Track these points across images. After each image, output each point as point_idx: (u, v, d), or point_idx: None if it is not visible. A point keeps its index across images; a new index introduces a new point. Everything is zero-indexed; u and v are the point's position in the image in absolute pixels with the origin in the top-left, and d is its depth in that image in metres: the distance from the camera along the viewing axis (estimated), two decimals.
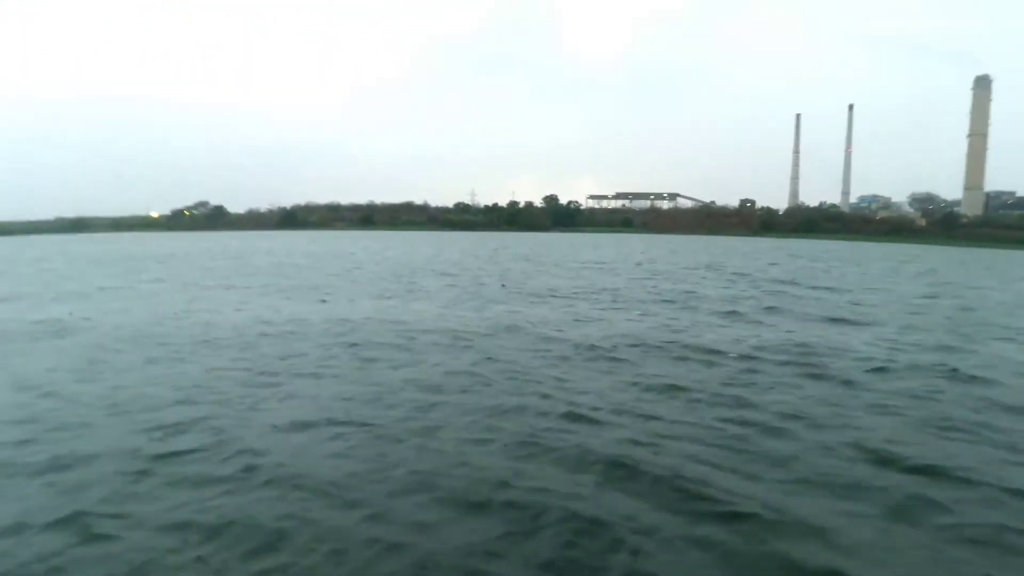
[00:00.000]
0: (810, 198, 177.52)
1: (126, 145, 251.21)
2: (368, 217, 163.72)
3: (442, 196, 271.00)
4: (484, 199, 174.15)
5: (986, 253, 79.89)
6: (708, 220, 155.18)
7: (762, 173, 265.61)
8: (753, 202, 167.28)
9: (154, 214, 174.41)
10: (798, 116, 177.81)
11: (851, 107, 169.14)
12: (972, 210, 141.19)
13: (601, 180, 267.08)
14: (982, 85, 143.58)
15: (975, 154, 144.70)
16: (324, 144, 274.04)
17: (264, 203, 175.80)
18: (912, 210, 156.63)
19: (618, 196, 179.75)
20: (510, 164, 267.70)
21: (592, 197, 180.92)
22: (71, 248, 49.24)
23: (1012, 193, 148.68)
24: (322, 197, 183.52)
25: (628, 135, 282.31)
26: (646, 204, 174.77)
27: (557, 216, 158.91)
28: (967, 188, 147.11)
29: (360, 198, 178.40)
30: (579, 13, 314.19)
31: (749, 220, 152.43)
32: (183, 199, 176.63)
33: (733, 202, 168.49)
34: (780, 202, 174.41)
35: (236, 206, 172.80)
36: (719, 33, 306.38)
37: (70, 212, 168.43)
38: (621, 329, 12.13)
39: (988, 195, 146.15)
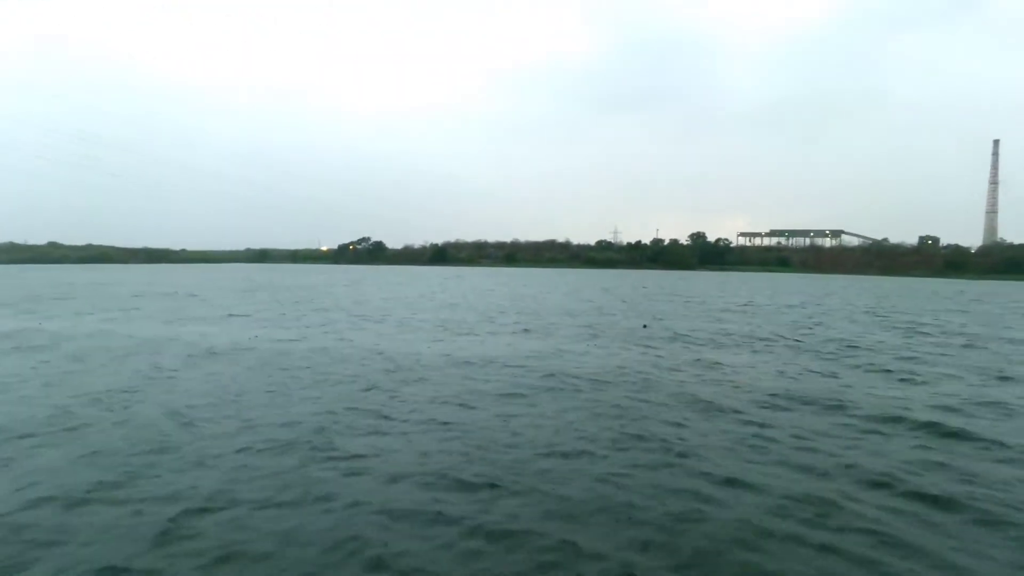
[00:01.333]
0: (1013, 234, 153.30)
1: (300, 185, 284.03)
2: (512, 254, 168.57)
3: (584, 234, 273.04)
4: (626, 237, 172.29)
5: None
6: (879, 259, 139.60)
7: (946, 207, 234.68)
8: (936, 239, 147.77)
9: (323, 248, 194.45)
10: (996, 142, 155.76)
11: None
12: None
13: (753, 217, 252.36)
14: None
15: None
16: (472, 184, 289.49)
17: (418, 239, 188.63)
18: None
19: (772, 233, 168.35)
20: (653, 201, 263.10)
21: (743, 234, 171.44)
22: (276, 279, 55.46)
23: None
24: (470, 235, 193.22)
25: (783, 169, 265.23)
26: (804, 241, 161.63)
27: (704, 254, 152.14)
28: None
29: (505, 236, 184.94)
30: (726, 44, 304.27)
31: (931, 259, 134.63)
32: (348, 235, 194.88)
33: (910, 239, 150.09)
34: (971, 239, 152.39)
35: (393, 242, 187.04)
36: (887, 55, 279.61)
37: (255, 244, 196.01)
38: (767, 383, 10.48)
39: None
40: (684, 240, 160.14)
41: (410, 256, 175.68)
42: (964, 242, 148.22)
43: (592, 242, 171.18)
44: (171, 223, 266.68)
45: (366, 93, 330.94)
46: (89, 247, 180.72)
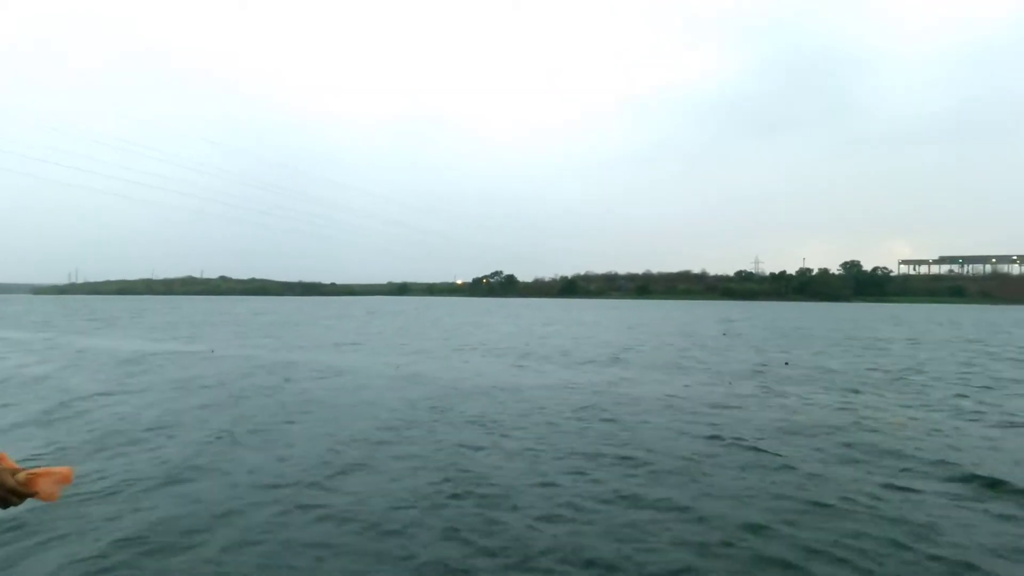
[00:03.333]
0: None
1: (438, 220, 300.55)
2: (644, 286, 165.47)
3: (722, 264, 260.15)
4: (769, 266, 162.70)
5: None
6: None
7: None
8: None
9: (458, 281, 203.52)
10: None
11: None
12: None
13: (916, 243, 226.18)
14: None
15: None
16: (605, 214, 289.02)
17: (548, 272, 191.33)
18: None
19: (942, 260, 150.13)
20: (799, 229, 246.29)
21: (905, 262, 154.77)
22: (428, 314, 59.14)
23: None
24: (600, 267, 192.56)
25: (951, 190, 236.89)
26: (984, 268, 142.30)
27: (860, 284, 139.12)
28: None
29: (637, 267, 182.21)
30: (884, 58, 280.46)
31: None
32: (482, 268, 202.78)
33: None
34: None
35: (525, 275, 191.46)
36: None
37: (397, 277, 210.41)
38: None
39: None
40: (835, 269, 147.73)
41: (540, 289, 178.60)
42: None
43: (731, 273, 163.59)
44: (323, 258, 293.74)
45: (501, 124, 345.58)
46: (252, 281, 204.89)
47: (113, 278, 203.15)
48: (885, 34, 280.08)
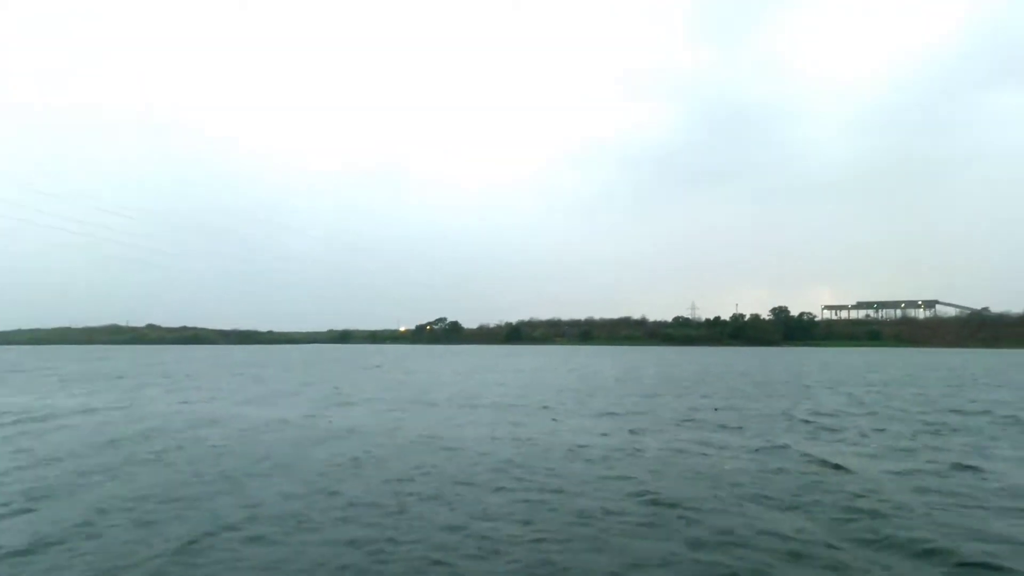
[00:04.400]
0: None
1: (380, 266, 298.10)
2: (587, 332, 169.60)
3: (661, 310, 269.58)
4: (705, 312, 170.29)
5: None
6: (981, 330, 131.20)
7: None
8: None
9: (402, 328, 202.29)
10: None
11: None
12: None
13: (838, 289, 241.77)
14: None
15: None
16: (549, 262, 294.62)
17: (494, 319, 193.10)
18: None
19: (860, 305, 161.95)
20: (733, 276, 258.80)
21: (828, 308, 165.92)
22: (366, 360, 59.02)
23: None
24: (544, 313, 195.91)
25: (868, 238, 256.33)
26: (895, 313, 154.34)
27: (788, 329, 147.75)
28: None
29: (580, 314, 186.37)
30: (811, 112, 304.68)
31: None
32: (426, 315, 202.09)
33: (1015, 308, 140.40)
34: None
35: (469, 322, 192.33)
36: (982, 114, 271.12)
37: (338, 325, 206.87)
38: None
39: None
40: (765, 315, 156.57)
41: (486, 335, 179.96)
42: None
43: (669, 319, 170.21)
44: (261, 304, 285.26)
45: (446, 174, 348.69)
46: (184, 329, 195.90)
47: (25, 327, 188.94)
48: (808, 90, 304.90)
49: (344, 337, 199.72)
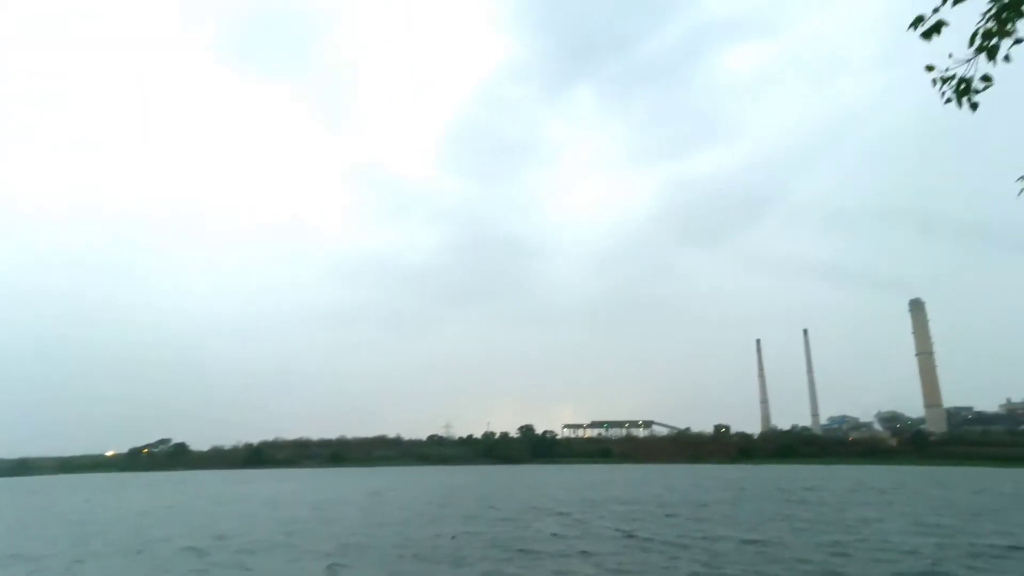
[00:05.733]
0: (781, 421, 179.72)
1: (83, 378, 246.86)
2: (339, 453, 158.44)
3: (417, 428, 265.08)
4: (460, 431, 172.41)
5: (959, 472, 79.76)
6: (686, 448, 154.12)
7: (734, 398, 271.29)
8: (727, 427, 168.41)
9: (109, 453, 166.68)
10: (758, 342, 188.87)
11: (805, 331, 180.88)
12: (936, 427, 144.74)
13: (578, 408, 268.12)
14: (917, 308, 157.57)
15: (927, 372, 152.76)
16: (298, 376, 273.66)
17: (230, 439, 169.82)
18: (881, 429, 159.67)
19: (593, 425, 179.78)
20: (486, 394, 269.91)
21: (568, 426, 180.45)
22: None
23: (970, 408, 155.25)
24: (291, 432, 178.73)
25: (602, 362, 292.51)
26: (622, 432, 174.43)
27: (536, 447, 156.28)
28: (927, 406, 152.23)
29: (331, 433, 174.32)
30: (550, 246, 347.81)
31: (727, 447, 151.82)
32: (145, 436, 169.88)
33: (708, 428, 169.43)
34: (754, 426, 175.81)
35: (200, 443, 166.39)
36: (683, 263, 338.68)
37: (15, 452, 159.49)
38: None
39: (948, 411, 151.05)
40: (514, 433, 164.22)
41: (220, 458, 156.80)
42: (749, 428, 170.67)
43: (424, 437, 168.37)
44: None
45: (177, 275, 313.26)
46: None
47: None
48: (557, 229, 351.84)
49: (22, 467, 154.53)
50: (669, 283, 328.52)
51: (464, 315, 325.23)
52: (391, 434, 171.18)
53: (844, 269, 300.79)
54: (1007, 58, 3.97)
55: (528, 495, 36.45)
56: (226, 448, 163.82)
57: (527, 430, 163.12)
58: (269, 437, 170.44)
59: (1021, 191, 3.92)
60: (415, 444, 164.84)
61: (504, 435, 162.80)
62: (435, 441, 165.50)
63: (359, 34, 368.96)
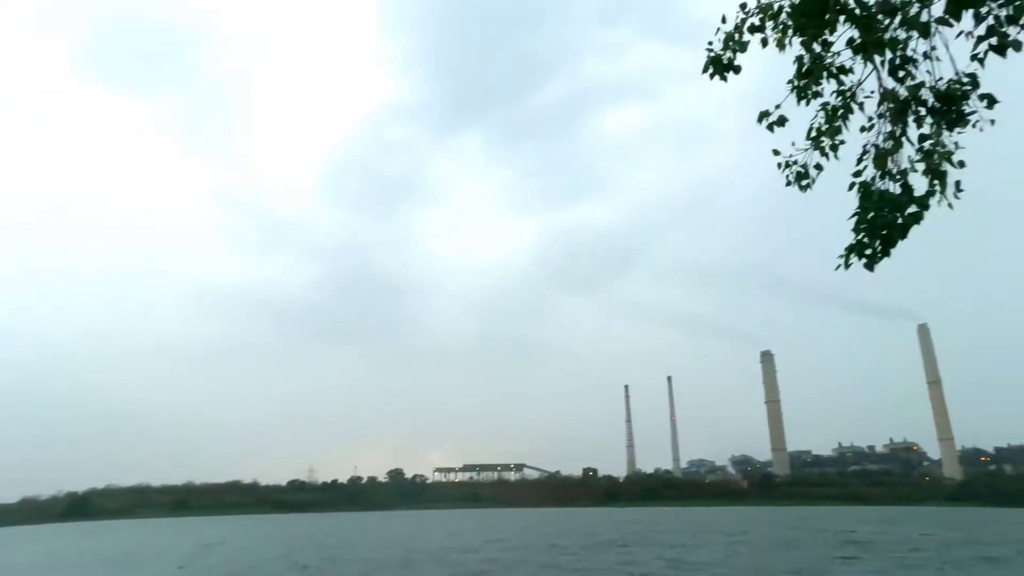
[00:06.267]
0: (646, 464, 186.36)
1: None
2: (183, 501, 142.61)
3: (277, 474, 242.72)
4: (325, 475, 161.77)
5: (796, 511, 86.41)
6: (555, 491, 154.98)
7: (603, 441, 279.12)
8: (595, 471, 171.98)
9: None
10: (626, 387, 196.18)
11: (669, 378, 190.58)
12: (781, 469, 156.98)
13: (451, 452, 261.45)
14: (767, 359, 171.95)
15: (774, 418, 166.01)
16: (135, 416, 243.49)
17: (48, 488, 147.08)
18: (734, 472, 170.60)
19: (465, 468, 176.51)
20: (353, 437, 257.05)
21: (439, 470, 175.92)
22: None
23: (809, 452, 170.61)
24: (127, 478, 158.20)
25: (477, 404, 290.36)
26: (494, 476, 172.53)
27: (404, 492, 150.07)
28: (774, 449, 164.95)
29: (175, 478, 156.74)
30: (431, 286, 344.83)
31: (594, 490, 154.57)
32: None
33: (577, 471, 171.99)
34: (621, 469, 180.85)
35: (8, 493, 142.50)
36: (558, 309, 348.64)
37: None
38: None
39: (791, 455, 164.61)
40: (383, 478, 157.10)
41: (33, 510, 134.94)
42: (616, 471, 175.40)
43: (284, 483, 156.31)
44: None
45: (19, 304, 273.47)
46: None
47: None
48: (439, 267, 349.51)
49: None
50: (545, 328, 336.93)
51: (337, 354, 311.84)
52: (247, 479, 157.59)
53: (703, 321, 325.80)
54: (835, 153, 4.77)
55: (374, 543, 33.75)
56: (42, 498, 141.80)
57: (396, 474, 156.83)
58: (99, 484, 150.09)
59: (837, 267, 4.56)
60: (273, 490, 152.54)
61: (372, 480, 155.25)
62: (296, 487, 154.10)
63: (244, 58, 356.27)
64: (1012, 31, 3.98)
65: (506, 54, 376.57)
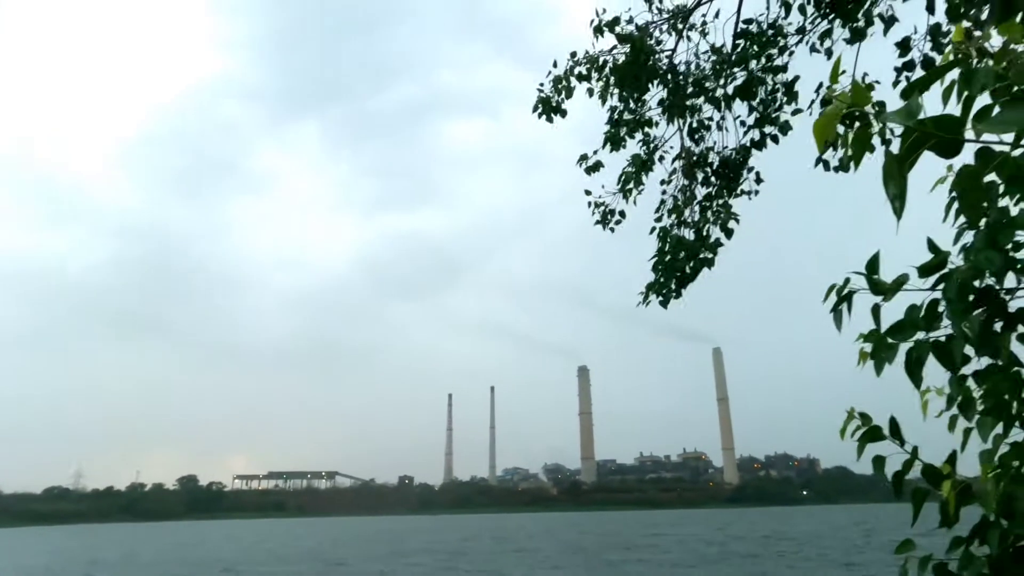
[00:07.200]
0: (463, 472, 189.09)
1: None
2: None
3: (32, 479, 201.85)
4: (97, 482, 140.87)
5: (597, 516, 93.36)
6: (368, 499, 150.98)
7: (422, 449, 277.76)
8: (411, 479, 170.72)
9: None
10: (450, 396, 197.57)
11: (492, 388, 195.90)
12: (589, 477, 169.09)
13: (255, 458, 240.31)
14: (583, 373, 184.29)
15: (586, 429, 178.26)
16: None
17: None
18: (546, 480, 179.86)
19: (270, 475, 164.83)
20: (140, 439, 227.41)
21: (240, 477, 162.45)
22: None
23: (613, 460, 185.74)
24: None
25: (288, 410, 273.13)
26: (302, 483, 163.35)
27: (194, 500, 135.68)
28: (583, 458, 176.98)
29: None
30: (247, 276, 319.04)
31: (409, 498, 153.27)
32: None
33: (393, 479, 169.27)
34: (437, 477, 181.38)
35: None
36: (384, 315, 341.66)
37: None
38: None
39: (598, 463, 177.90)
40: (172, 485, 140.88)
41: None
42: (433, 480, 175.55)
43: (39, 490, 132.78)
44: None
45: None
46: None
47: None
48: (260, 259, 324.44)
49: None
50: (368, 333, 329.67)
51: (129, 346, 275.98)
52: None
53: (527, 336, 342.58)
54: (634, 201, 5.18)
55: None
56: None
57: (189, 481, 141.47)
58: None
59: (639, 303, 5.00)
60: (24, 499, 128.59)
61: (158, 487, 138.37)
62: (56, 495, 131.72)
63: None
64: (769, 129, 4.77)
65: (354, 52, 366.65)
